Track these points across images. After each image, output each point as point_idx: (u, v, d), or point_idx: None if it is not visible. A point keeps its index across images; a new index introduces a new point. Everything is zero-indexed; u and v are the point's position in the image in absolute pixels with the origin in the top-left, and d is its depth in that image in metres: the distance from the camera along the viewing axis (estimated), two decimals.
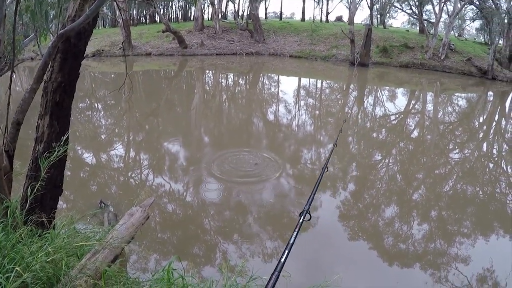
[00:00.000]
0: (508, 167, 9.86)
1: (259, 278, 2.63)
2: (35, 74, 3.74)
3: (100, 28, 41.44)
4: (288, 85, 19.38)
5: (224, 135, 11.62)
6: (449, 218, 6.83)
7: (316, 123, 13.34)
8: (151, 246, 5.38)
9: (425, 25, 32.93)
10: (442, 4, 29.15)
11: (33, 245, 2.84)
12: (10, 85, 3.76)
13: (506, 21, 25.70)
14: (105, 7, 35.90)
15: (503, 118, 16.08)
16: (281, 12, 48.06)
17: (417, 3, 33.22)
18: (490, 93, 21.94)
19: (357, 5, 39.40)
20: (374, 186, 8.06)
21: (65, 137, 3.49)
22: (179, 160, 9.09)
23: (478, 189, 8.26)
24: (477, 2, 28.95)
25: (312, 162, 9.31)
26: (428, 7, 33.70)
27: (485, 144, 12.01)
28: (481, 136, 12.88)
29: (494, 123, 15.24)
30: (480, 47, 31.37)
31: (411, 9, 35.78)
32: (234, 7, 59.69)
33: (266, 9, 51.76)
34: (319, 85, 19.84)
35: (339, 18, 50.56)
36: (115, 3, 22.32)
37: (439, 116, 14.74)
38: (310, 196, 1.84)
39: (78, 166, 8.38)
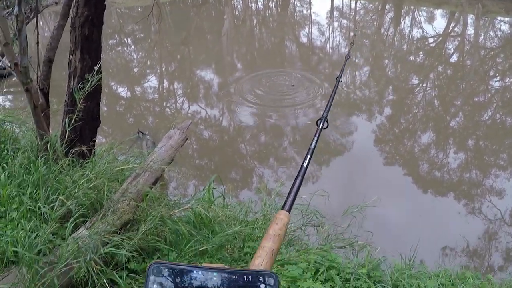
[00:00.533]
0: None
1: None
2: (61, 11, 3.70)
3: None
4: (320, 6, 18.56)
5: (257, 59, 11.41)
6: (486, 148, 6.58)
7: (349, 45, 12.82)
8: (189, 172, 5.50)
9: None
10: None
11: (75, 174, 2.95)
12: (36, 23, 3.74)
13: None
14: None
15: None
16: None
17: None
18: None
19: None
20: (411, 111, 7.83)
21: (97, 67, 3.49)
22: (213, 86, 9.04)
23: None
24: None
25: (347, 85, 9.07)
26: None
27: None
28: None
29: None
30: None
31: None
32: None
33: None
34: (352, 5, 18.89)
35: None
36: None
37: (479, 41, 13.88)
38: (328, 104, 1.81)
39: (114, 101, 8.50)
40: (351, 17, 17.25)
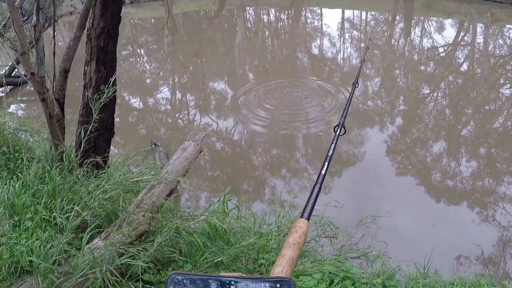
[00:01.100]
0: None
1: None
2: (77, 21, 3.76)
3: None
4: (331, 18, 18.62)
5: (269, 71, 11.45)
6: (498, 156, 6.50)
7: (362, 56, 12.85)
8: (201, 184, 5.51)
9: None
10: None
11: (90, 185, 2.97)
12: (54, 33, 3.79)
13: None
14: None
15: None
16: None
17: None
18: None
19: None
20: (422, 120, 7.79)
21: (112, 79, 3.54)
22: (226, 98, 9.07)
23: None
24: None
25: (358, 95, 9.06)
26: None
27: None
28: None
29: None
30: None
31: None
32: None
33: None
34: (363, 16, 18.92)
35: None
36: None
37: (489, 49, 13.80)
38: (344, 110, 1.80)
39: (127, 112, 8.56)
40: (362, 28, 17.29)
